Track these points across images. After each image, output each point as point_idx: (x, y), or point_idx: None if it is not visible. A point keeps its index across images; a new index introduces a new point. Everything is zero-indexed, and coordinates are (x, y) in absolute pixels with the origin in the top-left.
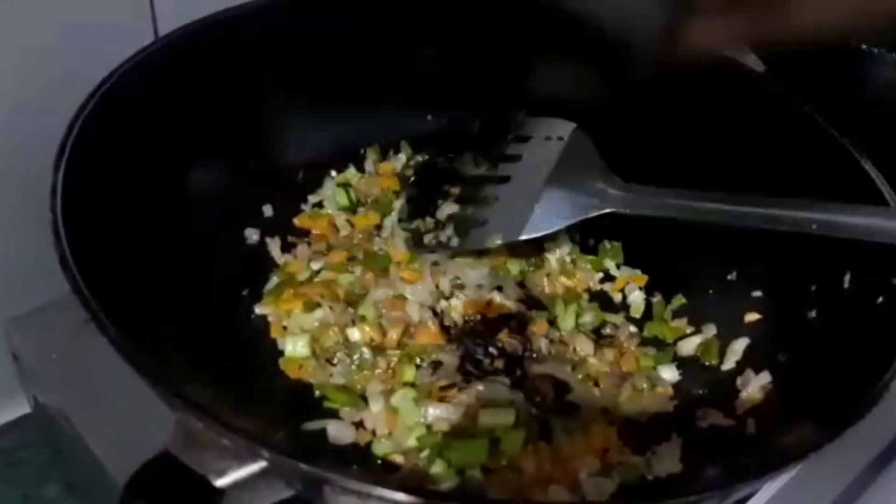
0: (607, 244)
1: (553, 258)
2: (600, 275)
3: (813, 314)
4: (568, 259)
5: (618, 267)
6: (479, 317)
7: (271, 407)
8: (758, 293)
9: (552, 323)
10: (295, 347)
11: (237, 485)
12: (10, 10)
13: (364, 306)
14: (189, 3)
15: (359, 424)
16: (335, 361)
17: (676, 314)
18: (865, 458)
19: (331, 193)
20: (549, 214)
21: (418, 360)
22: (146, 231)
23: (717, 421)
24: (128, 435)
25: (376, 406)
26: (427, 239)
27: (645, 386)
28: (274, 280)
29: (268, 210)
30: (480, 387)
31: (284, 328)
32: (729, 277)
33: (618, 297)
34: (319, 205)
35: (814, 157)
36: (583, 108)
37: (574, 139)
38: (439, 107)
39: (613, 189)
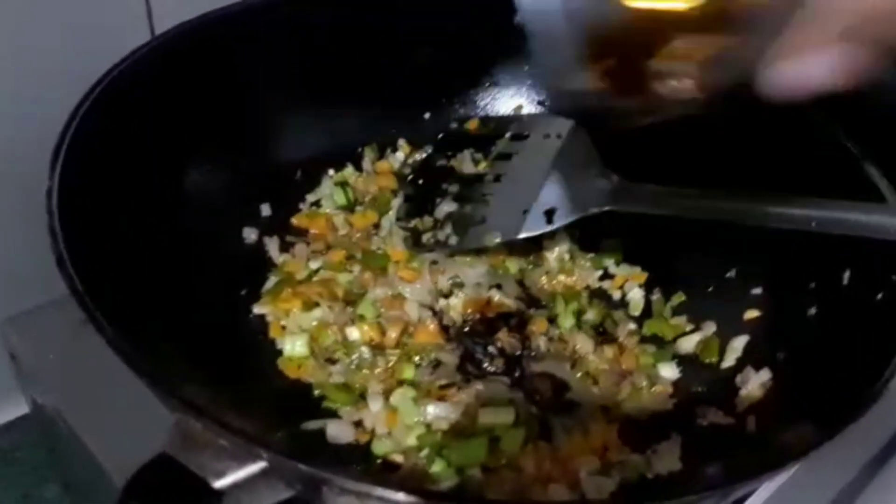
0: (606, 242)
1: (552, 256)
2: (599, 273)
3: (813, 311)
4: (567, 257)
5: (617, 265)
6: (478, 315)
7: (270, 407)
8: (757, 290)
9: (552, 321)
10: (294, 347)
11: (236, 486)
12: (8, 10)
13: (363, 305)
14: (185, 1)
15: (358, 424)
16: (334, 361)
17: (676, 312)
18: (865, 456)
19: (329, 192)
20: (548, 212)
21: (417, 360)
22: (143, 231)
23: (716, 419)
24: (126, 435)
25: (375, 405)
26: (425, 238)
27: (644, 384)
28: (272, 279)
29: (266, 209)
30: (480, 386)
31: (283, 328)
32: (728, 275)
33: (617, 295)
34: (317, 204)
35: (812, 155)
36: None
37: (572, 137)
38: (437, 105)
39: (612, 187)
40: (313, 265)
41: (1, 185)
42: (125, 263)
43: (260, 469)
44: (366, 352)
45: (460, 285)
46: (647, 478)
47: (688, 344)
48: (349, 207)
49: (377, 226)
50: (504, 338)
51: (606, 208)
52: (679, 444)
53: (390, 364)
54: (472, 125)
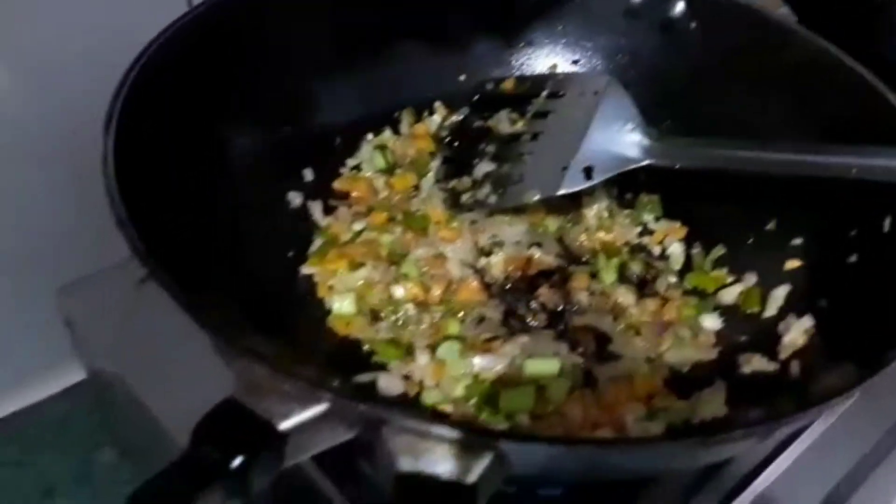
0: (645, 198)
1: (591, 213)
2: (639, 229)
3: (854, 258)
4: (606, 214)
5: (656, 220)
6: (519, 273)
7: (322, 362)
8: (798, 241)
9: (593, 276)
10: (342, 305)
11: (300, 428)
12: None
13: (406, 265)
14: None
15: (407, 377)
16: (381, 318)
17: (716, 265)
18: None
19: (368, 156)
20: (586, 169)
21: (461, 315)
22: (194, 194)
23: (760, 366)
24: (185, 395)
25: (423, 358)
26: (464, 198)
27: (687, 334)
28: (318, 241)
29: (308, 175)
30: (525, 338)
31: (330, 288)
32: (768, 227)
33: (657, 251)
34: (357, 168)
35: (849, 103)
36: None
37: (609, 93)
38: (472, 67)
39: (650, 141)
40: (356, 227)
41: (51, 159)
42: (179, 225)
43: (322, 412)
44: (411, 309)
45: (500, 244)
46: (692, 423)
47: (729, 295)
48: (389, 170)
49: (417, 187)
50: (545, 293)
51: (644, 163)
52: (724, 389)
53: (435, 320)
54: (508, 85)
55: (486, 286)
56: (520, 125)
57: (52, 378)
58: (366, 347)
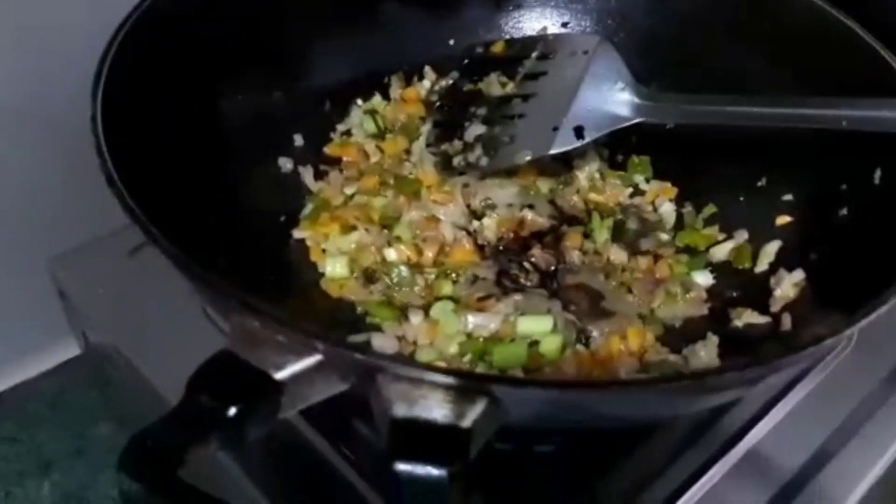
0: (635, 159)
1: (582, 175)
2: (630, 189)
3: (844, 212)
4: (597, 175)
5: (647, 181)
6: (511, 235)
7: (317, 322)
8: (788, 196)
9: (586, 237)
10: (335, 268)
11: (295, 378)
12: None
13: (399, 228)
14: None
15: (401, 338)
16: (375, 280)
17: (708, 223)
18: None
19: (358, 121)
20: (577, 129)
21: (455, 276)
22: (183, 158)
23: (752, 319)
24: (180, 362)
25: (416, 318)
26: (456, 161)
27: (679, 291)
28: (309, 206)
29: (298, 140)
30: (518, 297)
31: (323, 251)
32: (759, 184)
33: (649, 210)
34: (348, 133)
35: (838, 56)
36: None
37: (599, 52)
38: (461, 30)
39: (641, 99)
40: (348, 191)
41: (40, 130)
42: (170, 188)
43: (316, 362)
44: (404, 271)
45: (493, 206)
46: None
47: (721, 252)
48: (379, 135)
49: (408, 151)
50: (538, 254)
51: (635, 121)
52: (716, 343)
53: (429, 281)
54: (498, 48)
55: (480, 248)
56: (510, 88)
57: (47, 353)
58: (360, 309)
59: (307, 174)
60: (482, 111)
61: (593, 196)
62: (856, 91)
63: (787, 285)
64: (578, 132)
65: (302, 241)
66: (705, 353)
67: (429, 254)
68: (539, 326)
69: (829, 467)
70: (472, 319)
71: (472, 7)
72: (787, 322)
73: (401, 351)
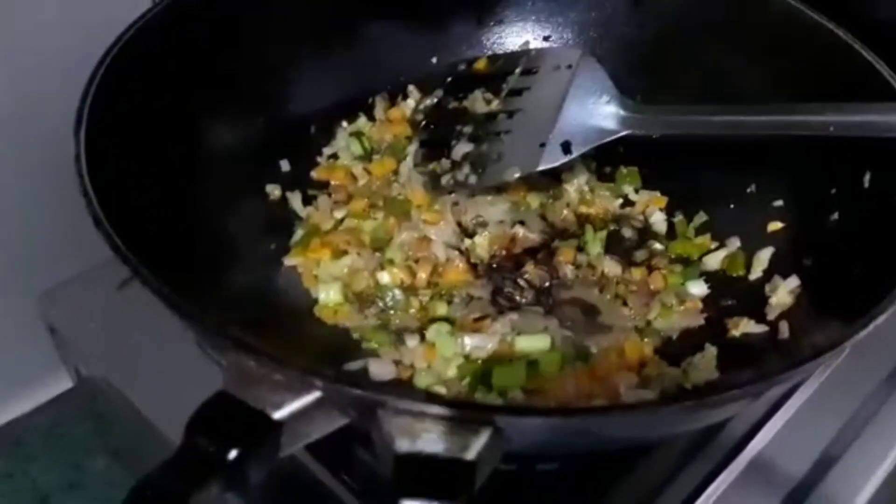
0: (623, 170)
1: (571, 188)
2: (620, 201)
3: (835, 216)
4: (586, 188)
5: (636, 191)
6: (504, 252)
7: (312, 351)
8: (779, 202)
9: (579, 250)
10: (328, 294)
11: (294, 416)
12: None
13: (391, 250)
14: None
15: (398, 362)
16: (369, 305)
17: (699, 231)
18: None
19: (344, 144)
20: (564, 144)
21: (449, 297)
22: (169, 192)
23: (749, 329)
24: (173, 393)
25: (412, 342)
26: (444, 180)
27: (674, 302)
28: (299, 232)
29: (285, 165)
30: (514, 316)
31: (315, 277)
32: (749, 190)
33: (639, 221)
34: (334, 156)
35: (824, 62)
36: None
37: (583, 66)
38: (443, 48)
39: (627, 112)
40: (338, 215)
41: (25, 169)
42: (157, 223)
43: (315, 399)
44: (398, 293)
45: (484, 224)
46: (685, 388)
47: (714, 260)
48: (366, 157)
49: (396, 172)
50: (532, 270)
51: (622, 134)
52: (714, 354)
53: (423, 303)
54: (481, 64)
55: (473, 266)
56: (495, 104)
57: (39, 388)
58: (355, 335)
59: (295, 200)
60: (468, 129)
61: (584, 209)
62: (839, 93)
63: (783, 292)
64: (566, 147)
65: (293, 267)
66: (704, 365)
67: (422, 275)
68: (537, 344)
69: (835, 470)
70: (469, 341)
71: (453, 24)
72: (784, 330)
73: (398, 376)
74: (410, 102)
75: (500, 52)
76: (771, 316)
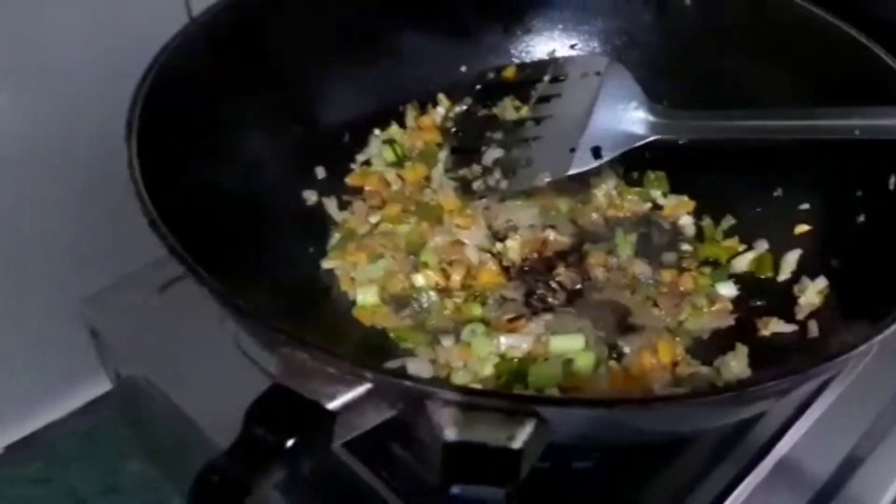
0: (651, 174)
1: (600, 193)
2: (648, 205)
3: (862, 218)
4: (614, 192)
5: (664, 195)
6: (535, 255)
7: (353, 350)
8: (805, 205)
9: (609, 252)
10: (365, 297)
11: (346, 407)
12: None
13: (425, 254)
14: None
15: (434, 362)
16: (405, 306)
17: (727, 234)
18: None
19: (377, 151)
20: (594, 149)
21: (483, 298)
22: (214, 198)
23: (778, 328)
24: (214, 392)
25: (447, 341)
26: (475, 185)
27: (704, 303)
28: (336, 236)
29: (320, 172)
30: (548, 316)
31: (352, 280)
32: (775, 194)
33: (667, 225)
34: (367, 163)
35: (846, 67)
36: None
37: (611, 73)
38: (472, 57)
39: (655, 117)
40: (372, 220)
41: (68, 175)
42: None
43: (366, 391)
44: (433, 295)
45: (515, 228)
46: (718, 387)
47: (742, 262)
48: (399, 163)
49: (428, 178)
50: (563, 273)
51: (651, 139)
52: (746, 353)
53: (458, 305)
54: (509, 73)
55: (505, 269)
56: (524, 111)
57: (75, 392)
58: (392, 335)
59: (331, 205)
60: (498, 135)
61: (612, 213)
62: (862, 98)
63: (811, 293)
64: (595, 152)
65: (331, 270)
66: (736, 363)
67: (456, 277)
68: (572, 345)
69: (861, 472)
70: (505, 341)
71: (481, 34)
72: (813, 329)
73: (436, 375)
74: (440, 110)
75: (528, 60)
76: (800, 316)
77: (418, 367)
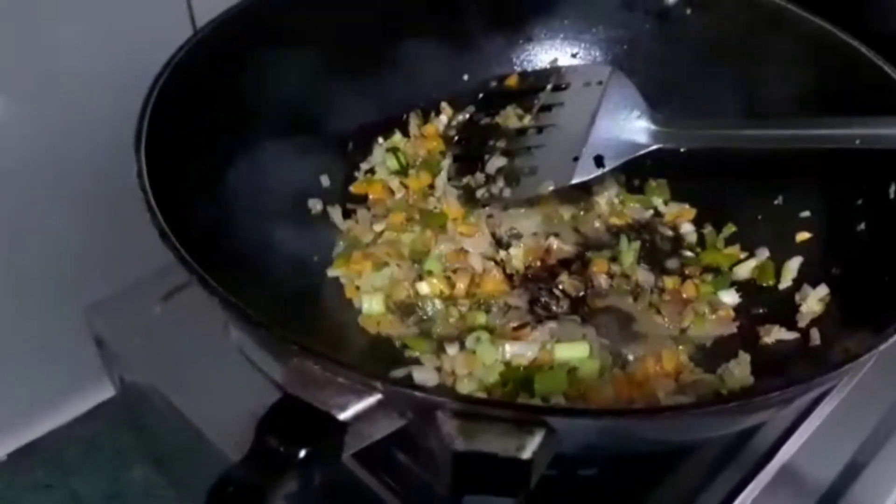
0: (653, 182)
1: (602, 201)
2: (650, 212)
3: (862, 226)
4: (616, 200)
5: (666, 203)
6: (539, 263)
7: (359, 358)
8: (806, 213)
9: (612, 259)
10: (371, 305)
11: (357, 418)
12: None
13: (429, 262)
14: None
15: (440, 370)
16: (411, 314)
17: (728, 242)
18: None
19: (381, 159)
20: (597, 158)
21: (487, 306)
22: (220, 207)
23: (781, 336)
24: (219, 400)
25: (452, 349)
26: (479, 193)
27: (706, 310)
28: (341, 245)
29: (325, 181)
30: (552, 324)
31: (357, 288)
32: (776, 202)
33: (669, 232)
34: (371, 171)
35: (846, 77)
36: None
37: (614, 82)
38: (474, 65)
39: (658, 126)
40: (377, 228)
41: (73, 182)
42: (211, 237)
43: (377, 401)
44: (438, 303)
45: (518, 236)
46: (721, 394)
47: (744, 270)
48: (402, 171)
49: (431, 186)
50: (567, 280)
51: (654, 147)
52: (748, 360)
53: (463, 312)
54: (512, 81)
55: (509, 277)
56: (527, 120)
57: (79, 398)
58: (398, 343)
59: (336, 214)
60: (501, 144)
61: (615, 220)
62: (863, 109)
63: (813, 301)
64: (598, 161)
65: (336, 279)
66: (739, 371)
67: (460, 285)
68: (576, 352)
69: (863, 477)
70: (510, 348)
71: (484, 42)
72: (815, 337)
73: (442, 382)
74: (443, 118)
75: (530, 69)
76: (802, 323)
77: (424, 375)
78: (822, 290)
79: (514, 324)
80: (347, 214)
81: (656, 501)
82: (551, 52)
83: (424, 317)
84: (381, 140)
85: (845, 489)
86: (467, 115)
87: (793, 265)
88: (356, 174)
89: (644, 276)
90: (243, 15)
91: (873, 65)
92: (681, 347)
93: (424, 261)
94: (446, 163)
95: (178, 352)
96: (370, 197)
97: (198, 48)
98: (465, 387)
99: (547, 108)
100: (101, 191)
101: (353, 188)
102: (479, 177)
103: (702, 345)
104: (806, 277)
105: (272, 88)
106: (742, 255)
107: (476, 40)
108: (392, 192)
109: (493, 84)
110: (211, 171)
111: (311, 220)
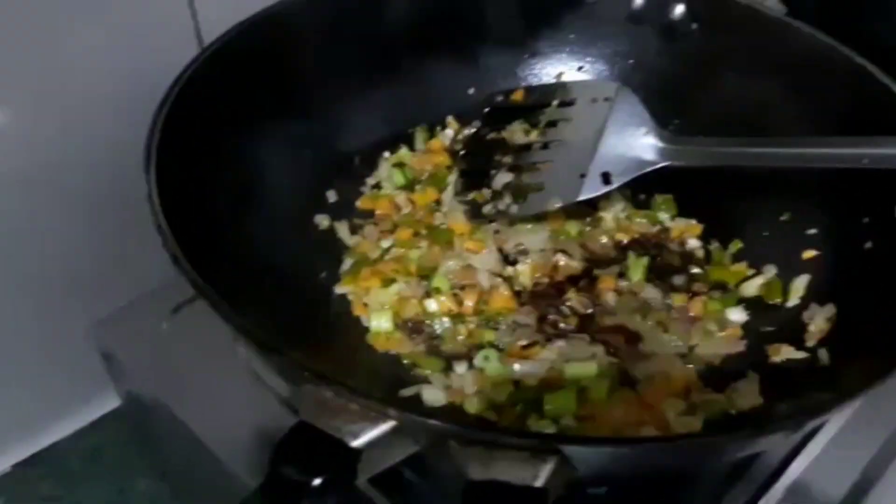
0: (659, 198)
1: (608, 216)
2: (657, 228)
3: (869, 245)
4: (623, 216)
5: (672, 219)
6: (546, 280)
7: (367, 378)
8: (813, 231)
9: (620, 275)
10: (380, 323)
11: (370, 444)
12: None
13: (436, 279)
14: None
15: (449, 388)
16: (418, 332)
17: (735, 258)
18: None
19: (387, 174)
20: (604, 174)
21: (495, 324)
22: (228, 225)
23: (789, 355)
24: (225, 414)
25: (461, 368)
26: (486, 209)
27: (714, 328)
28: (348, 261)
29: (332, 196)
30: (561, 343)
31: (365, 305)
32: (782, 218)
33: (675, 248)
34: (378, 186)
35: (854, 95)
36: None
37: (621, 99)
38: (480, 80)
39: (665, 143)
40: (384, 244)
41: (80, 197)
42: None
43: (391, 427)
44: (446, 321)
45: (525, 252)
46: (730, 414)
47: (751, 287)
48: (408, 186)
49: (438, 202)
50: (574, 297)
51: (661, 165)
52: (757, 380)
53: (470, 330)
54: (518, 95)
55: (516, 294)
56: (533, 135)
57: (84, 409)
58: (406, 361)
59: (343, 229)
60: (508, 159)
61: (621, 236)
62: (869, 127)
63: (821, 319)
64: (605, 178)
65: (343, 296)
66: (747, 391)
67: (468, 303)
68: (585, 372)
69: (872, 494)
70: (519, 368)
71: (489, 57)
72: (824, 357)
73: (451, 401)
74: (449, 132)
75: (536, 83)
76: (810, 342)
77: (433, 394)
78: (830, 310)
79: (523, 342)
80: (355, 230)
81: None
82: (557, 67)
83: (432, 334)
84: (386, 154)
85: None
86: (473, 130)
87: (800, 283)
88: (362, 189)
89: (651, 293)
90: (248, 31)
91: (880, 82)
92: (689, 366)
93: (432, 277)
94: (453, 178)
95: (186, 366)
96: (377, 212)
97: (206, 66)
98: (473, 406)
99: (553, 123)
100: (108, 204)
101: (359, 203)
102: (486, 192)
103: (710, 363)
104: (813, 296)
105: (279, 105)
106: (749, 272)
107: (482, 54)
108: (398, 208)
109: (499, 98)
110: (218, 190)
111: (318, 237)
